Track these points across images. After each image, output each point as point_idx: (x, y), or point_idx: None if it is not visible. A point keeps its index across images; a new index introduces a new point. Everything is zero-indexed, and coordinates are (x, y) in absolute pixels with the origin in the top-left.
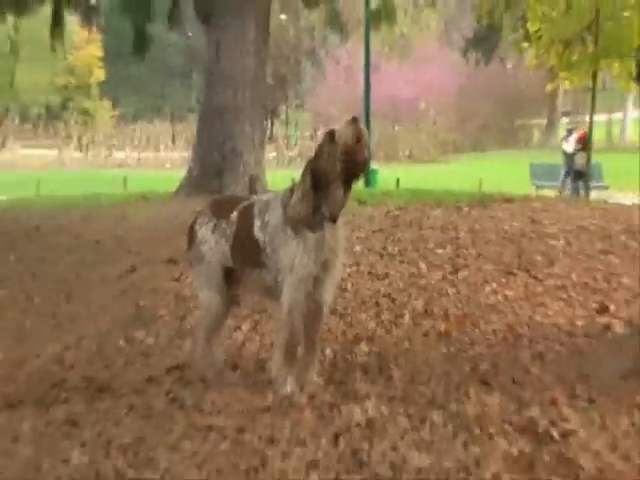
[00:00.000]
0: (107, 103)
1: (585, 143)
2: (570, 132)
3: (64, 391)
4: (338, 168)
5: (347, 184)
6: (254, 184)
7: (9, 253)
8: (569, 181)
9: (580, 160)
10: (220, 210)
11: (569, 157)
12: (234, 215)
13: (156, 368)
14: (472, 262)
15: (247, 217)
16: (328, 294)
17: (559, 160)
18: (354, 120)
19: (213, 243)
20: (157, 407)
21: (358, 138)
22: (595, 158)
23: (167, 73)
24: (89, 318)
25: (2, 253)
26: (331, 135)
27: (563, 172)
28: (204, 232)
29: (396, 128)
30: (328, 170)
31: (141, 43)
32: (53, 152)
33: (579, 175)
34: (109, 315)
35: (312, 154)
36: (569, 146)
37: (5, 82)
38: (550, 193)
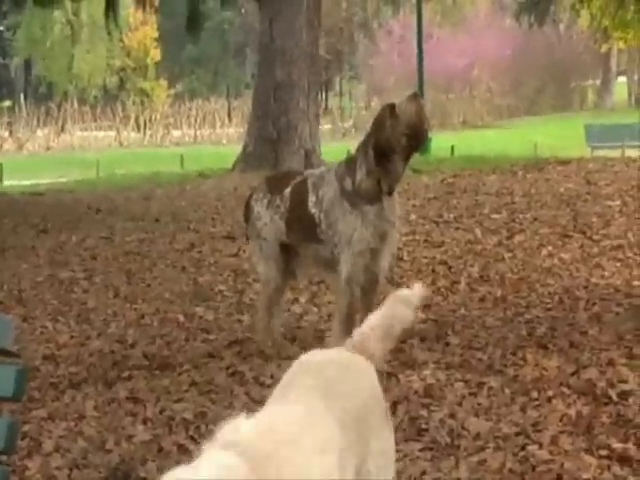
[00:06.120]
0: (163, 82)
1: None
2: None
3: (126, 369)
4: (402, 142)
5: (408, 158)
6: (310, 157)
7: (71, 235)
8: None
9: None
10: (275, 186)
11: None
12: (287, 191)
13: (216, 343)
14: (528, 226)
15: (300, 193)
16: (384, 264)
17: (615, 120)
18: (415, 95)
19: (268, 219)
20: (217, 382)
21: (419, 112)
22: None
23: (222, 50)
24: (149, 296)
25: (64, 235)
26: (392, 109)
27: None
28: (259, 208)
29: (450, 95)
30: (392, 144)
31: (195, 21)
32: (111, 133)
33: None
34: (169, 292)
35: (368, 127)
36: None
37: (64, 66)
38: (608, 154)
